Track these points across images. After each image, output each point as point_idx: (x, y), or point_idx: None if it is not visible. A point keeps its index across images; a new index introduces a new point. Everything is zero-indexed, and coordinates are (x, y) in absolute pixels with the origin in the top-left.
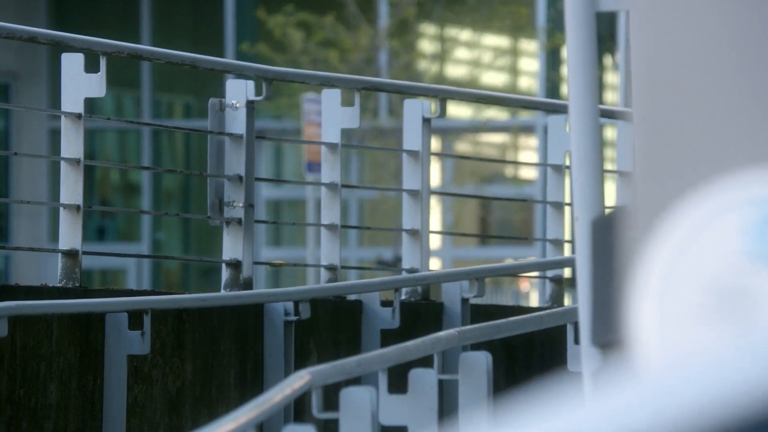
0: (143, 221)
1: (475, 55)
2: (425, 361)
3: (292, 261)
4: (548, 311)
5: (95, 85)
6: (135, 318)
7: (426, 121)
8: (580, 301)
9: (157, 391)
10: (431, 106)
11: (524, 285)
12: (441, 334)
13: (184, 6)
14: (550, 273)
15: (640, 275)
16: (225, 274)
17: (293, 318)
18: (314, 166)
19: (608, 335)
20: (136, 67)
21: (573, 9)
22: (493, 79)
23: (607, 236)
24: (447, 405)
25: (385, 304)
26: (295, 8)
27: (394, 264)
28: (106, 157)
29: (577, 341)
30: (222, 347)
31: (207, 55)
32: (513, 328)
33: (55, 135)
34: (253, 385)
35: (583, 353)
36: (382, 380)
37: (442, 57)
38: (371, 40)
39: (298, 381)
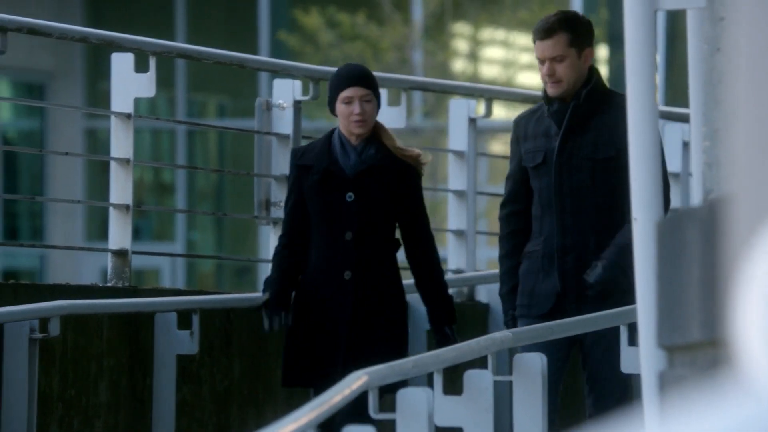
0: (177, 221)
1: (509, 55)
2: (470, 362)
3: None
4: (601, 312)
5: (145, 84)
6: (184, 318)
7: (472, 121)
8: (640, 303)
9: (206, 391)
10: (477, 106)
11: None
12: (496, 335)
13: (218, 2)
14: None
15: (744, 279)
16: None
17: None
18: None
19: (675, 337)
20: (170, 67)
21: (632, 8)
22: (528, 79)
23: (674, 237)
24: (498, 406)
25: None
26: (334, 8)
27: None
28: (140, 158)
29: (632, 343)
30: (270, 347)
31: (241, 51)
32: (567, 330)
33: (91, 135)
34: None
35: (644, 355)
36: (438, 381)
37: (476, 56)
38: (405, 39)
39: (356, 381)
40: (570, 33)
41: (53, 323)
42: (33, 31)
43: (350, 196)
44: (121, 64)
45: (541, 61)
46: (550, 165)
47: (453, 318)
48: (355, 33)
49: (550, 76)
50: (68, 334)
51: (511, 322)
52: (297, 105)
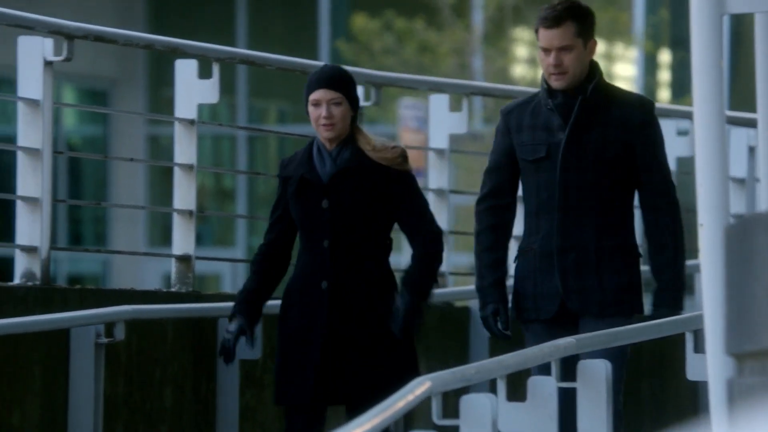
0: (238, 226)
1: None
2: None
3: None
4: (667, 318)
5: (208, 91)
6: None
7: None
8: (707, 309)
9: (269, 396)
10: None
11: None
12: (559, 341)
13: (278, 10)
14: None
15: None
16: None
17: None
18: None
19: (745, 344)
20: (231, 73)
21: (699, 12)
22: None
23: (743, 243)
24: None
25: None
26: (392, 13)
27: None
28: (202, 164)
29: (697, 350)
30: None
31: (301, 58)
32: (631, 336)
33: (153, 141)
34: None
35: (711, 363)
36: (501, 387)
37: (536, 62)
38: (465, 44)
39: (419, 387)
40: (578, 23)
41: (118, 328)
42: (99, 38)
43: (325, 203)
44: (185, 70)
45: (547, 51)
46: (554, 160)
47: (425, 295)
48: (413, 38)
49: (557, 67)
50: (133, 339)
51: (492, 317)
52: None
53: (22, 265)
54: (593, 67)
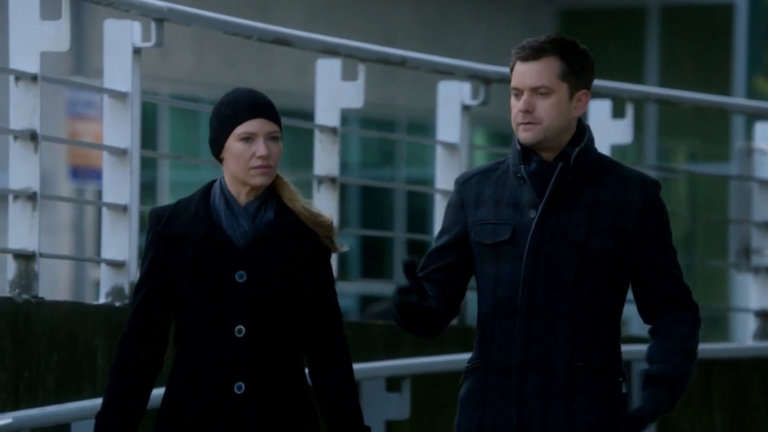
0: None
1: None
2: None
3: None
4: None
5: (621, 131)
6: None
7: None
8: None
9: None
10: None
11: None
12: None
13: (690, 45)
14: None
15: None
16: (753, 323)
17: None
18: None
19: None
20: (640, 112)
21: None
22: None
23: None
24: None
25: None
26: None
27: None
28: None
29: None
30: (752, 400)
31: (713, 94)
32: None
33: None
34: None
35: None
36: None
37: None
38: None
39: None
40: (565, 62)
41: None
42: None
43: (241, 276)
44: (598, 110)
45: (518, 93)
46: (520, 245)
47: None
48: None
49: (526, 114)
50: None
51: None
52: None
53: None
54: (582, 129)
